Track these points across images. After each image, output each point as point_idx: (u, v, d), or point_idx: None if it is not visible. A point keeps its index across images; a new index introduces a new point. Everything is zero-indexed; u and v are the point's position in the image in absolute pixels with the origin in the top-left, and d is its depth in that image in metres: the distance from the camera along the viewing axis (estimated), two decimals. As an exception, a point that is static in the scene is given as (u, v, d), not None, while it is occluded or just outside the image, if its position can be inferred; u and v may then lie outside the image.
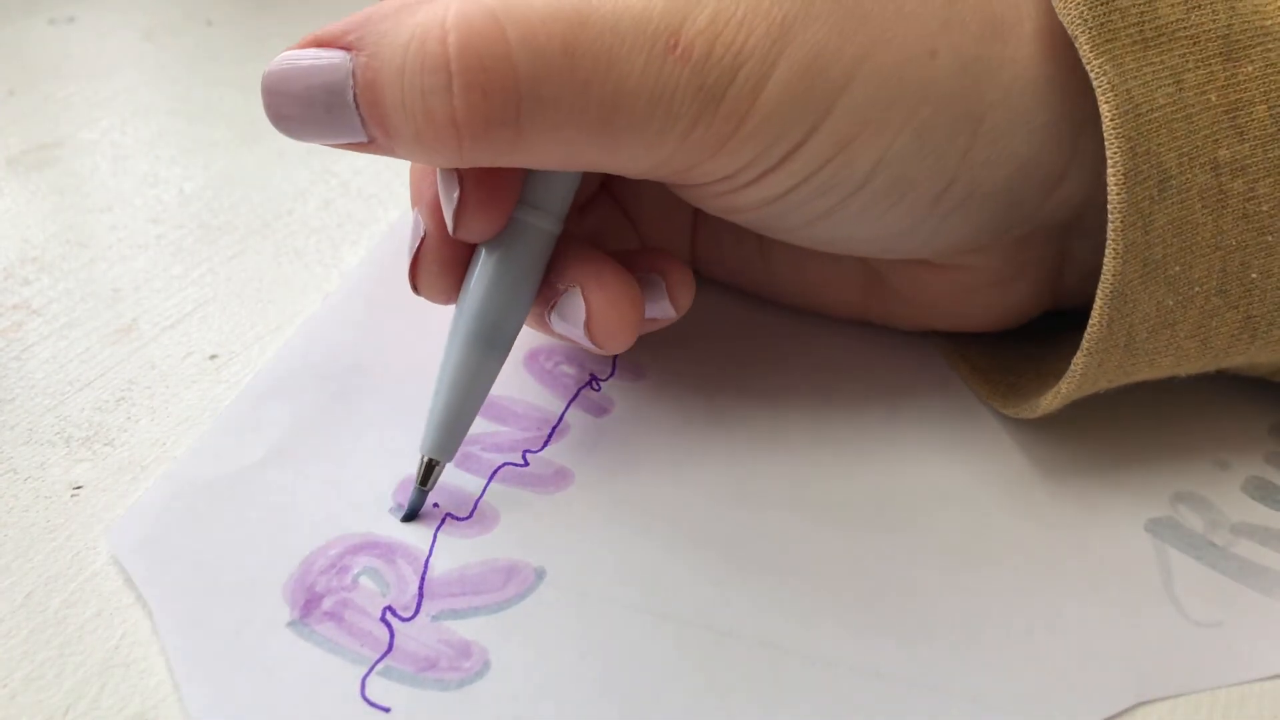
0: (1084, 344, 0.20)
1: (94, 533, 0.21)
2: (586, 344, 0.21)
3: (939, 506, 0.22)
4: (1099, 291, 0.20)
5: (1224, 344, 0.21)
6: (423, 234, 0.21)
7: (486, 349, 0.21)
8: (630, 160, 0.19)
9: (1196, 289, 0.20)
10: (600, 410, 0.24)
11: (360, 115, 0.18)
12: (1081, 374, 0.20)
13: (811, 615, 0.19)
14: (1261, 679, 0.19)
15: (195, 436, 0.23)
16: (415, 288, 0.22)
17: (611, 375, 0.25)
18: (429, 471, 0.21)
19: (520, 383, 0.25)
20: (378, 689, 0.18)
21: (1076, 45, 0.19)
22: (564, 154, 0.19)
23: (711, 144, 0.19)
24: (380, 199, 0.34)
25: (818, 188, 0.20)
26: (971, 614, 0.20)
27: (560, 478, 0.22)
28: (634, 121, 0.18)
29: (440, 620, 0.19)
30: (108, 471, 0.22)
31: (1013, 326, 0.25)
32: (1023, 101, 0.20)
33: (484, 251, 0.21)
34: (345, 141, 0.19)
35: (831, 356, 0.26)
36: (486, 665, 0.18)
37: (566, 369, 0.25)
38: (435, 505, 0.21)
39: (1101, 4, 0.19)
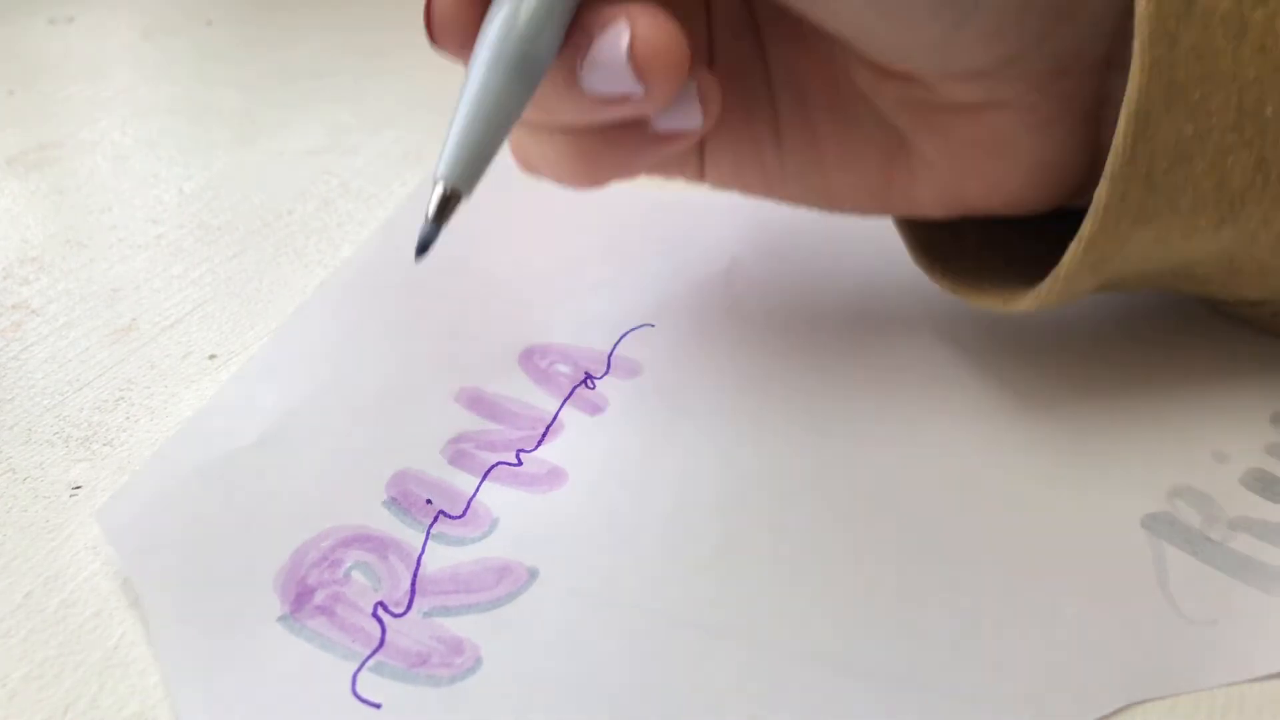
0: (1107, 170, 0.20)
1: (93, 533, 0.21)
2: (628, 85, 0.19)
3: (932, 504, 0.22)
4: (1123, 109, 0.19)
5: (1239, 186, 0.21)
6: None
7: (511, 69, 0.18)
8: None
9: (1214, 120, 0.20)
10: (595, 409, 0.24)
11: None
12: (1104, 209, 0.20)
13: (803, 615, 0.19)
14: (1259, 679, 0.18)
15: (187, 419, 0.23)
16: (431, 33, 0.20)
17: (607, 373, 0.25)
18: (445, 204, 0.18)
19: (514, 381, 0.25)
20: (369, 685, 0.18)
21: None
22: None
23: None
24: (380, 199, 0.34)
25: None
26: (964, 612, 0.19)
27: (554, 477, 0.22)
28: None
29: (432, 617, 0.19)
30: (107, 471, 0.22)
31: (1051, 204, 0.24)
32: None
33: None
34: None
35: (828, 356, 0.26)
36: (478, 662, 0.18)
37: (562, 368, 0.25)
38: (429, 502, 0.21)
39: None
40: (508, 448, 0.23)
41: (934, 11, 0.20)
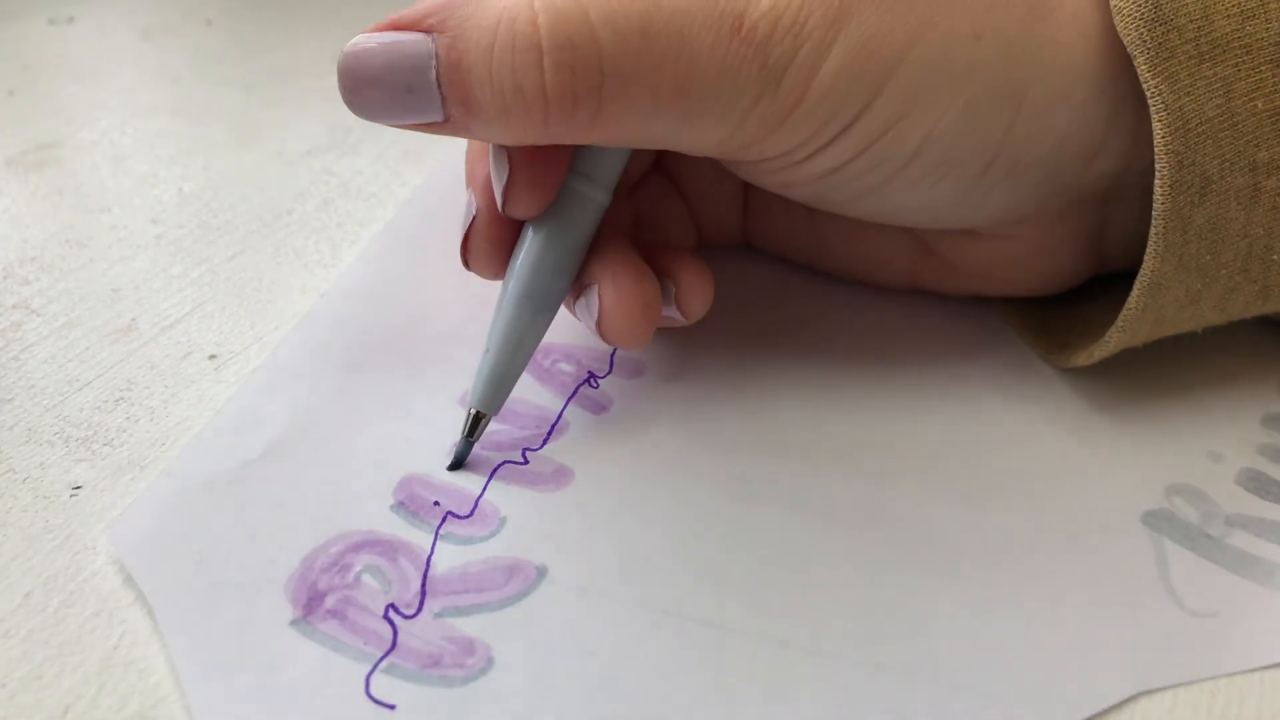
0: (1119, 322, 0.22)
1: (93, 533, 0.21)
2: (598, 338, 0.23)
3: (936, 503, 0.22)
4: (1137, 283, 0.21)
5: (1239, 309, 0.23)
6: (474, 212, 0.23)
7: (533, 312, 0.22)
8: (698, 136, 0.20)
9: (1222, 271, 0.22)
10: (599, 408, 0.24)
11: (441, 94, 0.19)
12: (1115, 344, 0.23)
13: (812, 609, 0.19)
14: (1259, 668, 0.19)
15: (194, 435, 0.23)
16: (466, 263, 0.23)
17: (610, 372, 0.25)
18: (475, 424, 0.22)
19: (519, 384, 0.25)
20: (382, 686, 0.18)
21: (1135, 64, 0.20)
22: (638, 129, 0.20)
23: (772, 120, 0.20)
24: (380, 199, 0.34)
25: (869, 162, 0.21)
26: (971, 607, 0.20)
27: (560, 475, 0.22)
28: (704, 97, 0.19)
29: (443, 617, 0.19)
30: (107, 471, 0.22)
31: (1057, 291, 0.26)
32: (1063, 79, 0.21)
33: (533, 222, 0.22)
34: (420, 121, 0.20)
35: (830, 354, 0.26)
36: (490, 662, 0.18)
37: (565, 367, 0.25)
38: (436, 504, 0.21)
39: (1160, 24, 0.20)
40: (513, 447, 0.23)
41: (948, 215, 0.23)
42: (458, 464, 0.22)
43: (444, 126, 0.20)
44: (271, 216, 0.33)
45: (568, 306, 0.24)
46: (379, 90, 0.19)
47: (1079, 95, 0.21)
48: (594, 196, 0.22)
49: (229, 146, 0.38)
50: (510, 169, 0.21)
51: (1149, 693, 0.18)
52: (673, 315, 0.23)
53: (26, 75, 0.44)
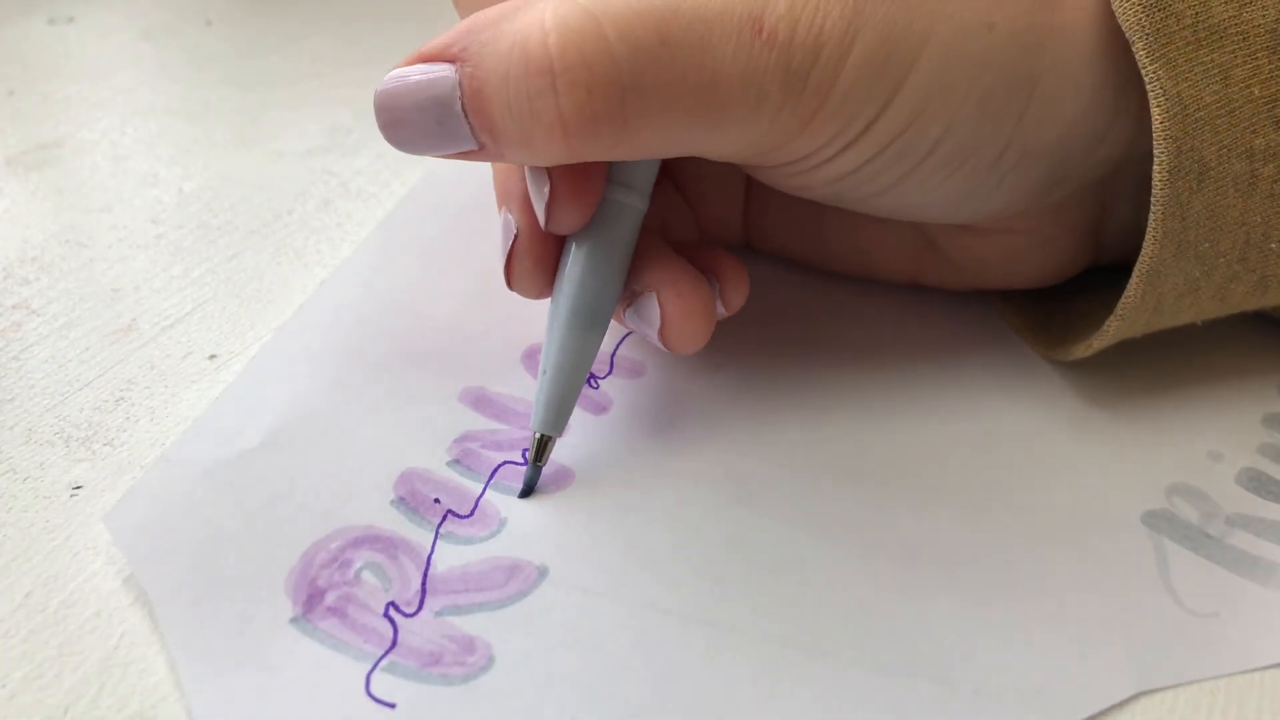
0: (1118, 310, 0.22)
1: (93, 533, 0.21)
2: (658, 344, 0.22)
3: (936, 503, 0.22)
4: (1135, 269, 0.21)
5: (1238, 300, 0.23)
6: (515, 233, 0.22)
7: (585, 329, 0.22)
8: (725, 143, 0.20)
9: (1220, 260, 0.22)
10: (600, 409, 0.24)
11: (469, 123, 0.19)
12: (1114, 334, 0.23)
13: (812, 609, 0.19)
14: (1260, 668, 0.19)
15: (192, 422, 0.23)
16: (510, 284, 0.23)
17: (610, 373, 0.25)
18: (542, 448, 0.22)
19: (519, 382, 0.25)
20: (383, 685, 0.18)
21: (1133, 49, 0.20)
22: (666, 140, 0.19)
23: (797, 123, 0.20)
24: (380, 199, 0.34)
25: (890, 159, 0.21)
26: (971, 606, 0.20)
27: (561, 476, 0.22)
28: (729, 104, 0.19)
29: (444, 616, 0.19)
30: (107, 471, 0.22)
31: (1056, 282, 0.26)
32: (1072, 66, 0.21)
33: (575, 235, 0.22)
34: (457, 151, 0.20)
35: (830, 354, 0.26)
36: (491, 660, 0.18)
37: (566, 367, 0.25)
38: (437, 501, 0.21)
39: (1158, 10, 0.20)
40: (514, 447, 0.23)
41: (960, 207, 0.23)
42: (528, 491, 0.22)
43: (480, 154, 0.20)
44: (271, 216, 0.33)
45: (616, 316, 0.23)
46: (411, 128, 0.19)
47: (1086, 81, 0.21)
48: (633, 203, 0.22)
49: (229, 146, 0.38)
50: (550, 185, 0.21)
51: (1149, 693, 0.18)
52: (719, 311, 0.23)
53: (26, 75, 0.44)
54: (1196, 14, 0.20)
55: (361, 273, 0.28)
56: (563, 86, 0.18)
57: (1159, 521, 0.22)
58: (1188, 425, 0.24)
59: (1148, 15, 0.20)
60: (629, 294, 0.23)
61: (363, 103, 0.42)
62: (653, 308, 0.22)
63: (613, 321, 0.23)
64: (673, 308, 0.22)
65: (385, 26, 0.49)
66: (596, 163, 0.21)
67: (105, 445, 0.23)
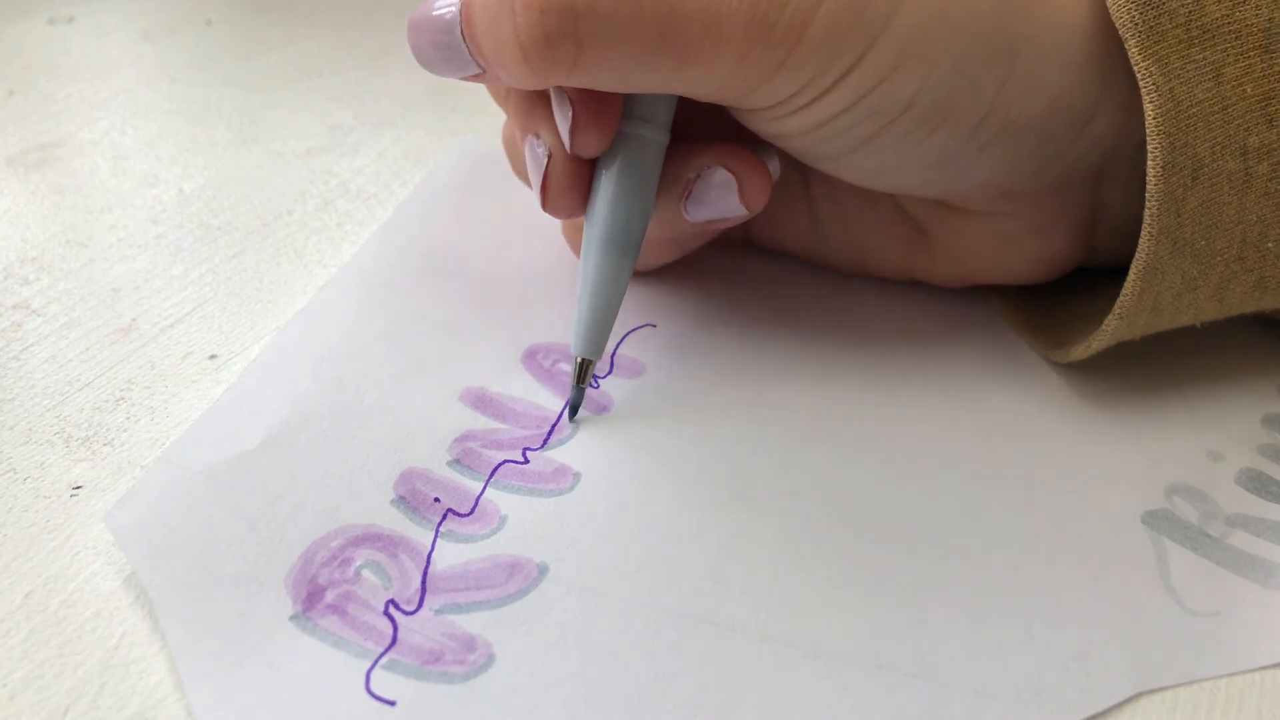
0: (1116, 309, 0.22)
1: (93, 533, 0.21)
2: (732, 213, 0.24)
3: (936, 503, 0.22)
4: (1133, 266, 0.21)
5: (1237, 301, 0.23)
6: (547, 157, 0.23)
7: (619, 254, 0.23)
8: (692, 81, 0.20)
9: (1218, 258, 0.22)
10: (600, 407, 0.24)
11: (468, 48, 0.21)
12: (1112, 333, 0.23)
13: (812, 608, 0.19)
14: (1260, 668, 0.19)
15: (192, 422, 0.23)
16: (545, 205, 0.24)
17: (610, 372, 0.25)
18: (584, 370, 0.23)
19: (519, 381, 0.25)
20: (383, 682, 0.18)
21: (1126, 47, 0.20)
22: (626, 72, 0.20)
23: (766, 69, 0.20)
24: (380, 199, 0.34)
25: (863, 112, 0.21)
26: (971, 607, 0.20)
27: (561, 475, 0.22)
28: (688, 42, 0.19)
29: (444, 614, 0.19)
30: (107, 471, 0.22)
31: (1050, 278, 0.27)
32: (1056, 38, 0.21)
33: (603, 167, 0.23)
34: (466, 74, 0.22)
35: (829, 353, 0.26)
36: (491, 659, 0.18)
37: (565, 367, 0.25)
38: (437, 500, 0.21)
39: (1151, 8, 0.20)
40: (514, 446, 0.23)
41: (940, 177, 0.23)
42: (574, 410, 0.23)
43: (483, 77, 0.21)
44: (271, 216, 0.33)
45: (668, 224, 0.25)
46: (429, 52, 0.22)
47: (1070, 55, 0.21)
48: (655, 137, 0.23)
49: (229, 146, 0.38)
50: (573, 110, 0.22)
51: (1149, 693, 0.18)
52: (728, 212, 0.24)
53: (26, 75, 0.44)
54: (1189, 13, 0.20)
55: (362, 273, 0.28)
56: (519, 7, 0.19)
57: (1159, 521, 0.22)
58: (1188, 425, 0.24)
59: (1140, 13, 0.20)
60: (684, 185, 0.24)
61: (363, 103, 0.42)
62: (720, 179, 0.23)
63: (614, 323, 0.23)
64: (740, 164, 0.23)
65: (385, 26, 0.49)
66: (612, 93, 0.22)
67: (105, 445, 0.23)
